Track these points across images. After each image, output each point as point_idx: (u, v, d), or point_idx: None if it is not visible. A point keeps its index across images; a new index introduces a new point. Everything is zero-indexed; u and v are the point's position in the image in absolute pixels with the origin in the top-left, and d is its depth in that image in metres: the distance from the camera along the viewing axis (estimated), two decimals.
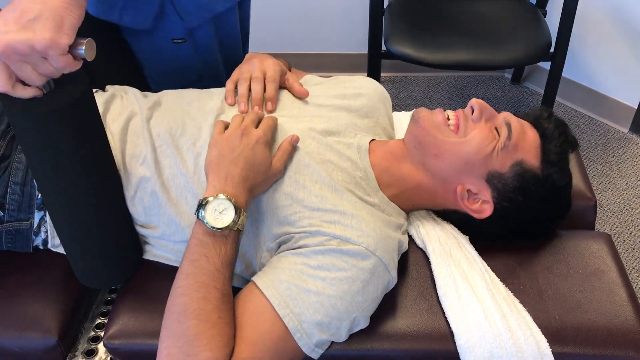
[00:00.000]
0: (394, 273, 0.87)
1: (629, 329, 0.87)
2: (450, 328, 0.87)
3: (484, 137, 0.92)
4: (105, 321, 0.98)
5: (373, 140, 1.01)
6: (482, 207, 0.94)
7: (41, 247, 1.00)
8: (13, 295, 0.95)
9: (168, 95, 1.05)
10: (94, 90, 1.11)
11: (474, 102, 0.94)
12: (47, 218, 0.97)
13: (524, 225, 0.97)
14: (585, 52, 2.19)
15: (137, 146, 0.96)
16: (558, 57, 1.83)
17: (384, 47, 1.88)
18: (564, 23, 1.77)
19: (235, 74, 1.03)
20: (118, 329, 0.90)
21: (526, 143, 0.92)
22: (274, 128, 0.92)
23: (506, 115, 0.95)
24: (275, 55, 1.10)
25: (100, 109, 1.01)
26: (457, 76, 2.50)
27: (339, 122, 1.00)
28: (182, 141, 0.95)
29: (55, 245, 0.99)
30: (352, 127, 1.01)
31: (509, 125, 0.92)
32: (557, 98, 2.26)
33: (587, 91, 2.26)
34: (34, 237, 0.99)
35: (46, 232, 0.98)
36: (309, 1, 2.31)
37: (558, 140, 0.93)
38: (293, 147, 0.91)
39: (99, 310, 1.02)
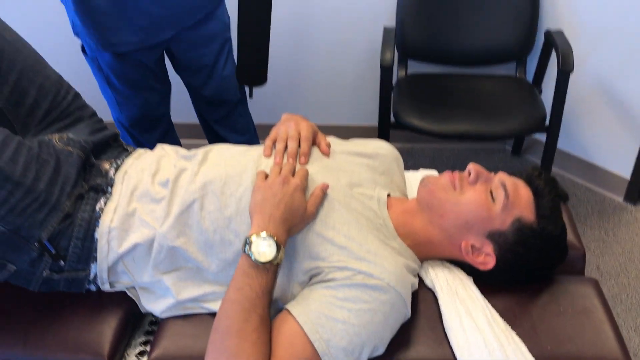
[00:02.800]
0: (408, 308, 1.00)
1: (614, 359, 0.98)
2: (454, 356, 0.98)
3: (477, 199, 1.05)
4: (147, 349, 1.10)
5: (389, 195, 1.16)
6: (486, 259, 1.06)
7: (93, 289, 1.14)
8: (68, 322, 1.09)
9: (212, 152, 1.21)
10: (143, 149, 1.29)
11: (471, 166, 1.08)
12: (101, 269, 1.10)
13: (525, 272, 1.09)
14: (579, 125, 2.35)
15: (186, 193, 1.10)
16: (553, 129, 2.00)
17: (392, 119, 2.06)
18: (557, 99, 1.95)
19: (273, 133, 1.19)
20: (161, 352, 1.02)
21: (521, 200, 1.05)
22: (307, 178, 1.07)
23: (501, 177, 1.08)
24: None
25: (153, 167, 1.17)
26: (461, 148, 2.67)
27: (361, 176, 1.15)
28: (226, 188, 1.09)
29: (106, 289, 1.13)
30: (372, 181, 1.16)
31: (504, 186, 1.05)
32: (554, 169, 2.41)
33: (582, 162, 2.41)
34: (87, 285, 1.12)
35: (101, 284, 1.12)
36: (322, 76, 2.51)
37: (549, 195, 1.06)
38: (324, 194, 1.06)
39: (140, 339, 1.13)
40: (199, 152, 1.20)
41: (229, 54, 1.84)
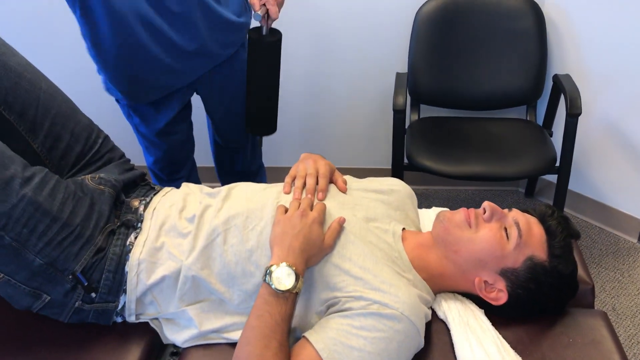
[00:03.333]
0: (422, 338, 1.04)
1: None
2: None
3: (492, 237, 1.09)
4: None
5: (404, 229, 1.21)
6: (498, 295, 1.10)
7: (119, 321, 1.20)
8: (93, 353, 1.15)
9: (234, 190, 1.28)
10: (169, 187, 1.36)
11: (486, 204, 1.13)
12: (130, 300, 1.16)
13: (536, 308, 1.13)
14: (590, 167, 2.39)
15: (211, 227, 1.16)
16: (563, 170, 2.04)
17: (406, 161, 2.12)
18: (567, 140, 2.00)
19: (292, 171, 1.26)
20: None
21: (534, 239, 1.09)
22: (325, 212, 1.13)
23: (515, 215, 1.12)
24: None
25: (180, 204, 1.24)
26: (475, 190, 2.71)
27: (376, 211, 1.21)
28: (248, 222, 1.16)
29: (132, 320, 1.18)
30: (387, 216, 1.22)
31: (517, 225, 1.10)
32: (567, 210, 2.44)
33: (594, 204, 2.44)
34: (114, 317, 1.18)
35: (128, 315, 1.17)
36: (338, 120, 2.60)
37: (561, 235, 1.10)
38: (341, 227, 1.12)
39: None
40: (223, 190, 1.27)
41: None
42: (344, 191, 1.24)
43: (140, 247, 1.17)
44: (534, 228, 1.11)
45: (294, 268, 1.00)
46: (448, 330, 1.11)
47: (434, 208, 1.49)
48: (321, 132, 2.65)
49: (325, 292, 1.06)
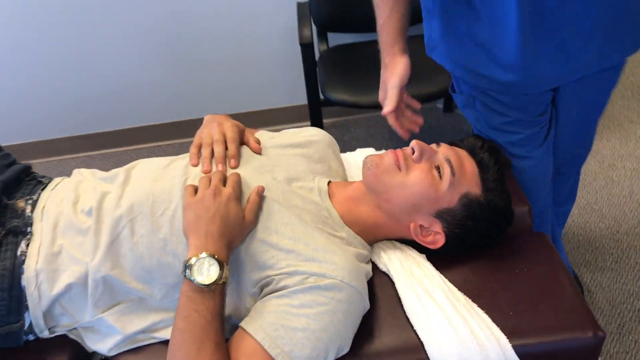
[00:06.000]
0: (367, 300, 0.97)
1: (573, 309, 0.98)
2: (420, 340, 0.95)
3: (424, 179, 1.01)
4: None
5: (329, 182, 1.11)
6: (435, 238, 1.04)
7: (32, 339, 1.05)
8: None
9: (134, 169, 1.12)
10: (59, 177, 1.18)
11: (414, 143, 1.04)
12: (36, 317, 1.01)
13: (475, 243, 1.08)
14: None
15: (113, 219, 1.02)
16: None
17: (322, 96, 2.01)
18: None
19: (197, 139, 1.12)
20: None
21: (467, 175, 1.03)
22: (240, 183, 1.01)
23: (445, 151, 1.04)
24: None
25: (71, 195, 1.08)
26: None
27: (297, 168, 1.10)
28: (155, 208, 1.02)
29: (45, 336, 1.04)
30: (310, 171, 1.11)
31: (449, 161, 1.02)
32: None
33: None
34: (24, 336, 1.03)
35: (39, 332, 1.03)
36: (244, 63, 2.44)
37: (494, 167, 1.05)
38: (261, 197, 1.00)
39: None
40: (120, 172, 1.12)
41: None
42: (258, 152, 1.12)
43: (35, 256, 1.02)
44: (466, 163, 1.05)
45: (216, 256, 0.89)
46: (392, 282, 1.05)
47: (358, 150, 1.39)
48: (229, 79, 2.48)
49: (255, 272, 0.96)
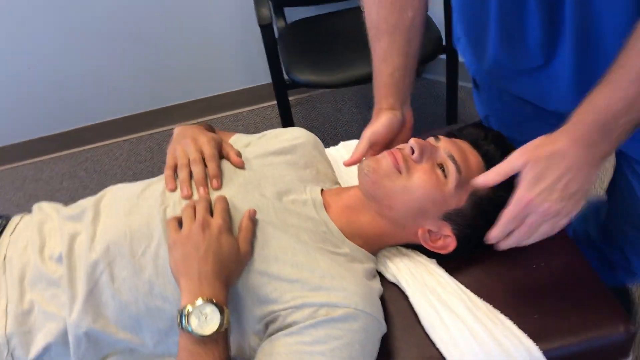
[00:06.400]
0: (383, 323, 0.88)
1: (600, 307, 0.92)
2: (443, 357, 0.88)
3: (427, 181, 0.91)
4: None
5: (323, 190, 1.01)
6: (446, 242, 0.95)
7: None
8: None
9: (103, 202, 1.00)
10: (18, 216, 1.05)
11: (413, 142, 0.92)
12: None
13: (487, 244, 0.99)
14: None
15: (88, 265, 0.90)
16: (451, 47, 1.91)
17: (287, 77, 1.89)
18: (449, 18, 1.85)
19: (170, 159, 0.99)
20: None
21: (473, 171, 0.92)
22: (228, 210, 0.90)
23: (446, 145, 0.94)
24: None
25: (36, 240, 0.95)
26: (362, 86, 2.55)
27: (285, 178, 1.00)
28: (135, 246, 0.90)
29: None
30: (299, 180, 1.01)
31: (452, 158, 0.92)
32: (461, 83, 2.35)
33: None
34: None
35: None
36: (203, 46, 2.29)
37: (501, 160, 0.91)
38: (254, 223, 0.89)
39: None
40: (88, 207, 0.98)
41: None
42: (240, 166, 1.00)
43: (3, 318, 0.89)
44: (470, 157, 0.95)
45: (214, 300, 0.78)
46: (403, 294, 0.97)
47: (342, 144, 1.29)
48: (186, 60, 2.32)
49: (257, 307, 0.85)
